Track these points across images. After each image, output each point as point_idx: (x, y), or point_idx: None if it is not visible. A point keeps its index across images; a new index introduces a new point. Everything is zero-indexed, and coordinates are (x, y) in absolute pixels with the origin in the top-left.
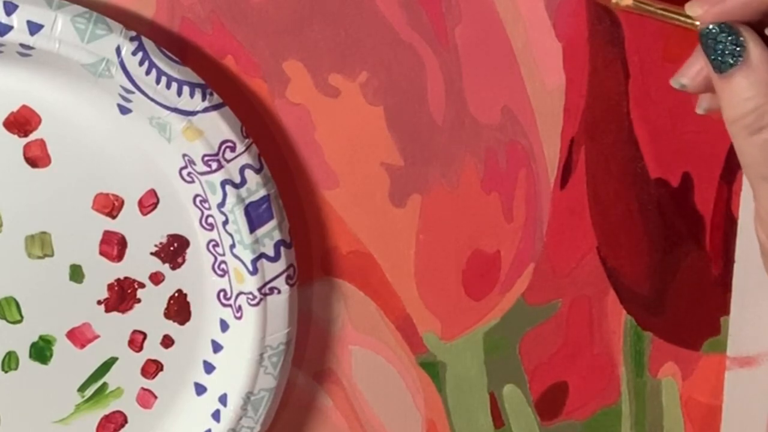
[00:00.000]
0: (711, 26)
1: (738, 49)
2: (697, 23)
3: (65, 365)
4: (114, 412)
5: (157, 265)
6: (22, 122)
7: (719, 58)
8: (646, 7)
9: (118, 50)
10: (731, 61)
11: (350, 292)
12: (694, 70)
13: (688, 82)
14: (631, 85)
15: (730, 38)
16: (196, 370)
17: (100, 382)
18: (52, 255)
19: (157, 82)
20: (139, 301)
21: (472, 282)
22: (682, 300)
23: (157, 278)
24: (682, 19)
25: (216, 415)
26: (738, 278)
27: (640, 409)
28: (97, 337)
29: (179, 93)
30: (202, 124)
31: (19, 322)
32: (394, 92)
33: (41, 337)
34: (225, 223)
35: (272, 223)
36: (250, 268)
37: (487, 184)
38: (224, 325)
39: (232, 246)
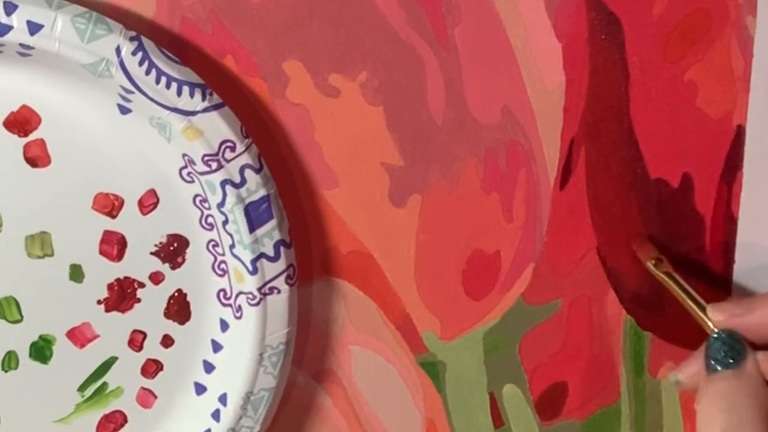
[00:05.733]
0: (722, 332)
1: (733, 360)
2: (710, 324)
3: (65, 365)
4: (114, 412)
5: (157, 264)
6: (22, 122)
7: (716, 361)
8: (672, 285)
9: (118, 50)
10: (721, 368)
11: (350, 292)
12: (692, 370)
13: (685, 379)
14: (631, 85)
15: (732, 347)
16: (196, 369)
17: (100, 382)
18: (52, 255)
19: (157, 82)
20: (139, 300)
21: (472, 282)
22: None
23: (157, 278)
24: (700, 315)
25: (216, 415)
26: (738, 278)
27: (639, 409)
28: (97, 336)
29: (179, 93)
30: (202, 124)
31: (19, 321)
32: (394, 92)
33: (41, 337)
34: (225, 222)
35: (272, 223)
36: (250, 267)
37: (487, 184)
38: (224, 325)
39: (232, 246)
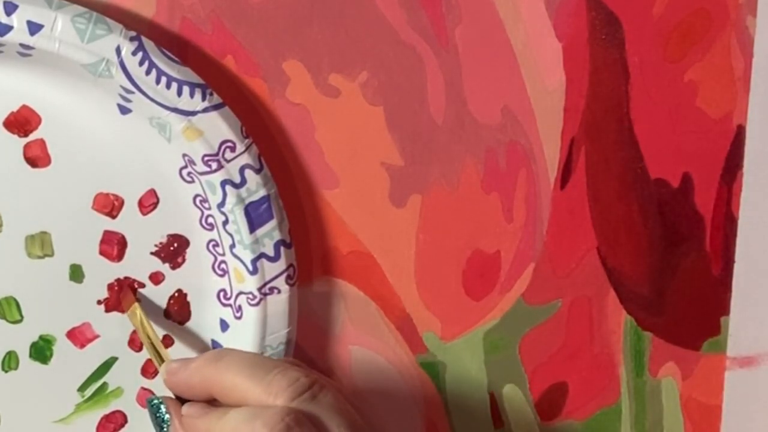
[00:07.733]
0: (153, 398)
1: (163, 426)
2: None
3: (65, 365)
4: (114, 412)
5: (157, 264)
6: (22, 122)
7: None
8: (144, 329)
9: (118, 50)
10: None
11: (350, 292)
12: None
13: None
14: (631, 85)
15: (158, 412)
16: None
17: (100, 382)
18: (52, 255)
19: (157, 82)
20: (139, 300)
21: (472, 282)
22: (682, 300)
23: (157, 278)
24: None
25: None
26: (738, 278)
27: (640, 409)
28: (97, 336)
29: (179, 93)
30: (202, 124)
31: (19, 322)
32: (394, 92)
33: (41, 337)
34: (225, 223)
35: (272, 223)
36: (250, 267)
37: (487, 184)
38: (224, 325)
39: (232, 246)
